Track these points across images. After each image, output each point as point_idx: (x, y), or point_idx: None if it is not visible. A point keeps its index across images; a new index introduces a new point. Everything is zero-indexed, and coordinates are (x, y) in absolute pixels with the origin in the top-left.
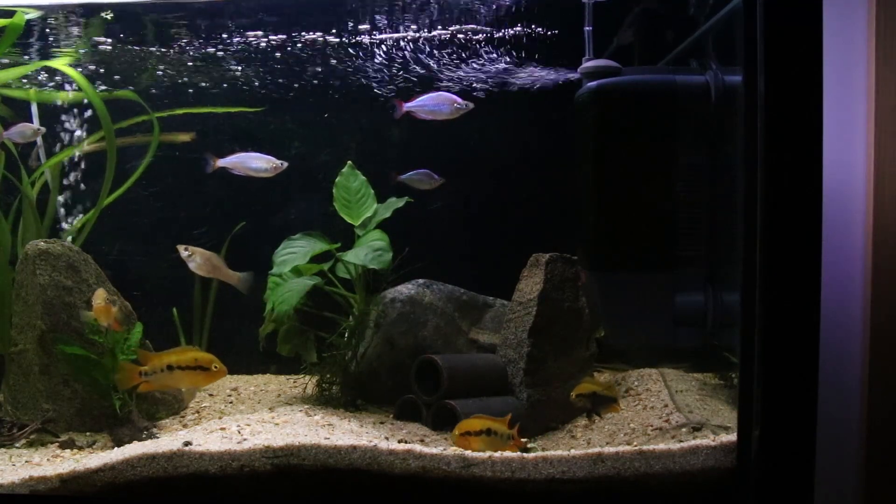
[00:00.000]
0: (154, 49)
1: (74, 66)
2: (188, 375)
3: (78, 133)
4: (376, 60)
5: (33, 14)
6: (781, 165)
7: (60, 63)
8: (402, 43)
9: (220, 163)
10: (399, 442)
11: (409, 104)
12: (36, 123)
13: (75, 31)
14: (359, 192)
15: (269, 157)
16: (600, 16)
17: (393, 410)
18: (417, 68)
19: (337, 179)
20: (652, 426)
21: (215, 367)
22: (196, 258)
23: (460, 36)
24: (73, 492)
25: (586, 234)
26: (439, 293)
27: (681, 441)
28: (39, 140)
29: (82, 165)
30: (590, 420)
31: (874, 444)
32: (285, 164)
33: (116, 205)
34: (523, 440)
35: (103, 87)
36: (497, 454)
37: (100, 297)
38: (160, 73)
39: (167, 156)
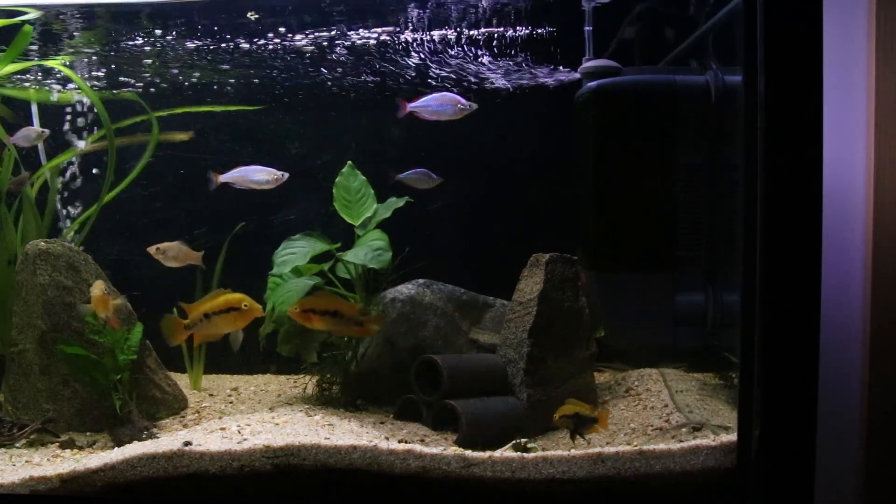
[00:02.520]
0: (155, 48)
1: (74, 66)
2: (224, 320)
3: (74, 134)
4: (377, 60)
5: (33, 14)
6: (781, 165)
7: (57, 62)
8: (403, 42)
9: (223, 178)
10: (399, 442)
11: (412, 104)
12: (36, 124)
13: (75, 31)
14: (359, 192)
15: (271, 168)
16: (600, 16)
17: (393, 410)
18: (418, 68)
19: (337, 179)
20: (652, 426)
21: (245, 306)
22: (168, 252)
23: (460, 35)
24: (73, 492)
25: (586, 234)
26: (439, 293)
27: (681, 441)
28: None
29: (77, 167)
30: (573, 441)
31: (874, 444)
32: (286, 175)
33: (117, 204)
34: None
35: (103, 87)
36: (497, 454)
37: (98, 287)
38: (159, 72)
39: (167, 155)
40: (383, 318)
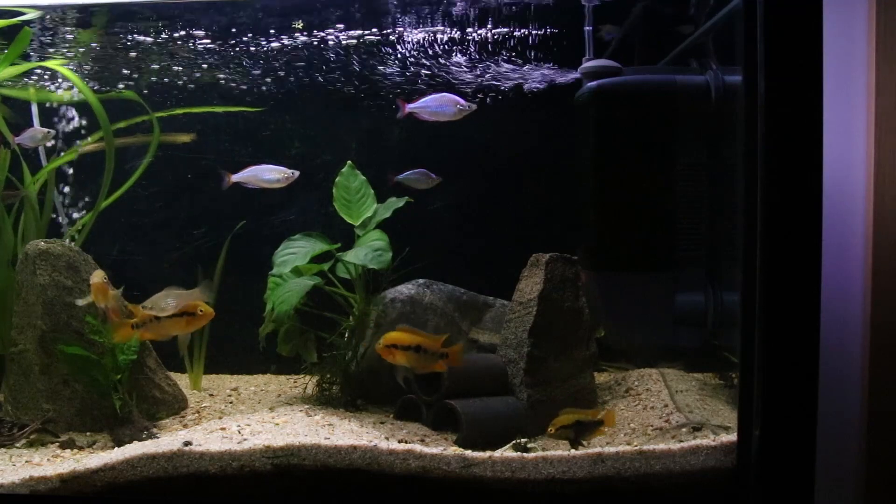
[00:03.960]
0: (154, 48)
1: (75, 65)
2: (176, 322)
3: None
4: (378, 60)
5: (32, 14)
6: (781, 165)
7: (56, 63)
8: (403, 43)
9: (235, 178)
10: (399, 442)
11: (411, 105)
12: (36, 123)
13: (73, 31)
14: (359, 192)
15: (281, 167)
16: (600, 16)
17: (393, 410)
18: (420, 69)
19: (337, 179)
20: (652, 426)
21: (200, 311)
22: (157, 305)
23: (459, 36)
24: (73, 492)
25: (587, 234)
26: (439, 293)
27: (681, 441)
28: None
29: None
30: (575, 448)
31: (874, 444)
32: (297, 174)
33: (116, 205)
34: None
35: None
36: (497, 454)
37: (97, 276)
38: (159, 72)
39: (167, 156)
40: (466, 349)
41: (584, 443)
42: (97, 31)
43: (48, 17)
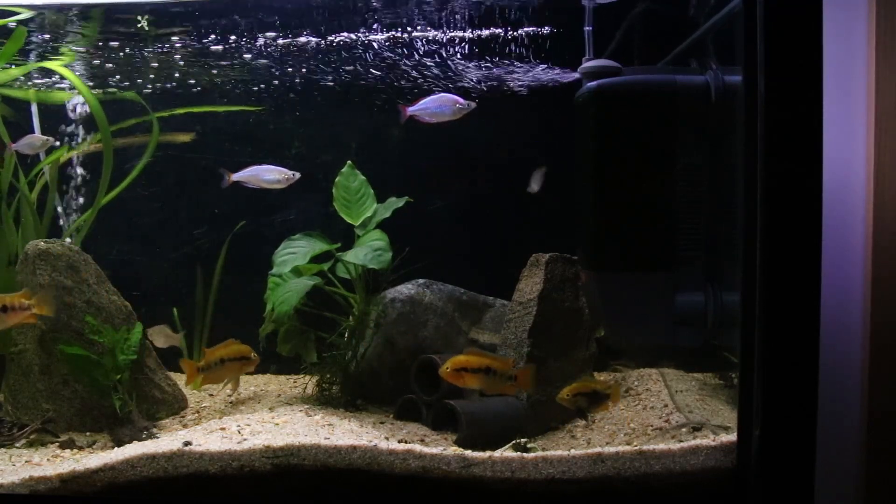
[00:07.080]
0: (154, 47)
1: (73, 65)
2: (235, 366)
3: (77, 132)
4: (378, 60)
5: (27, 14)
6: (781, 165)
7: (55, 64)
8: (401, 43)
9: (235, 177)
10: (399, 442)
11: (411, 108)
12: (36, 123)
13: (73, 30)
14: (359, 192)
15: (282, 168)
16: (600, 16)
17: (393, 410)
18: (418, 69)
19: (337, 179)
20: (652, 426)
21: (253, 356)
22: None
23: (460, 36)
24: (73, 492)
25: (586, 234)
26: (439, 293)
27: (681, 441)
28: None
29: (78, 167)
30: (585, 420)
31: (874, 444)
32: (297, 175)
33: (116, 204)
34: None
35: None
36: (497, 454)
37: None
38: (159, 72)
39: (167, 156)
40: (534, 370)
41: (590, 422)
42: (98, 31)
43: (50, 16)
